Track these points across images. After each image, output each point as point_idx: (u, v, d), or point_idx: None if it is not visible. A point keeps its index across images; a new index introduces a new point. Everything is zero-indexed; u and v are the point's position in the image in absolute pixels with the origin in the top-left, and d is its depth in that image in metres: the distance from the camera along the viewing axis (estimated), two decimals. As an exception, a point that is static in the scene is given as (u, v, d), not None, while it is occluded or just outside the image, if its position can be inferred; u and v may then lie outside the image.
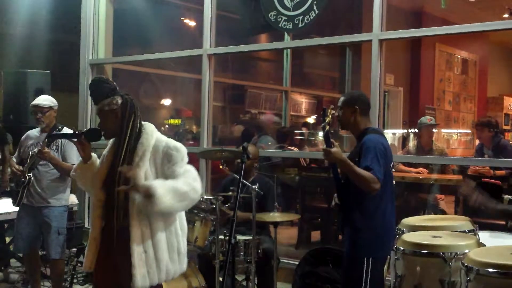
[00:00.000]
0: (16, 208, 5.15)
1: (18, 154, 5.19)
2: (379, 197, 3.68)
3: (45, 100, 5.11)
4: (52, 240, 4.98)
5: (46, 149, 4.79)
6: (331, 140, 3.67)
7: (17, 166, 5.01)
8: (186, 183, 3.08)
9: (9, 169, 5.46)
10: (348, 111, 3.86)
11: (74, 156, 4.90)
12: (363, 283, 3.63)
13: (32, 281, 5.27)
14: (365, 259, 3.64)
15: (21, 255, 5.74)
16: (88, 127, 7.55)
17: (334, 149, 3.59)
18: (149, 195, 2.97)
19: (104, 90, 3.22)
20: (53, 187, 5.02)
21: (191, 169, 3.19)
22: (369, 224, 3.69)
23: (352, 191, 3.73)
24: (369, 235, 3.67)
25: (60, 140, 4.98)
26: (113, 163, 3.23)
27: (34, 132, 5.19)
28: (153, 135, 3.22)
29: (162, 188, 2.98)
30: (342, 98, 3.94)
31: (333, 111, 3.75)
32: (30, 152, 4.95)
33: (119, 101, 3.22)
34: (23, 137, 5.23)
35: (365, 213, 3.70)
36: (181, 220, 3.32)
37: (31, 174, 4.93)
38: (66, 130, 4.93)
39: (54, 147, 4.94)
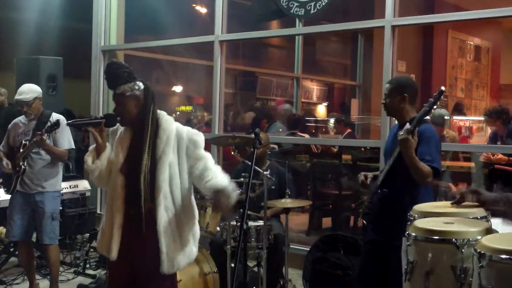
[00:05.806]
0: (8, 196, 5.12)
1: (7, 143, 5.08)
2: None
3: (28, 92, 4.96)
4: (46, 225, 4.96)
5: (44, 137, 4.72)
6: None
7: (5, 160, 4.95)
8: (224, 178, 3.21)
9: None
10: (397, 99, 3.71)
11: (65, 142, 4.97)
12: None
13: (27, 269, 5.22)
14: None
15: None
16: (100, 113, 7.57)
17: (412, 140, 3.41)
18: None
19: (123, 75, 3.12)
20: (46, 173, 4.99)
21: (208, 154, 3.28)
22: None
23: (401, 178, 3.59)
24: None
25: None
26: (136, 149, 3.15)
27: (22, 120, 5.07)
28: (172, 122, 3.23)
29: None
30: (388, 86, 3.80)
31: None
32: (23, 141, 4.89)
33: (141, 87, 3.16)
34: (11, 125, 5.10)
35: (416, 199, 3.53)
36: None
37: (25, 163, 4.87)
38: (55, 115, 4.96)
39: (46, 134, 4.79)
